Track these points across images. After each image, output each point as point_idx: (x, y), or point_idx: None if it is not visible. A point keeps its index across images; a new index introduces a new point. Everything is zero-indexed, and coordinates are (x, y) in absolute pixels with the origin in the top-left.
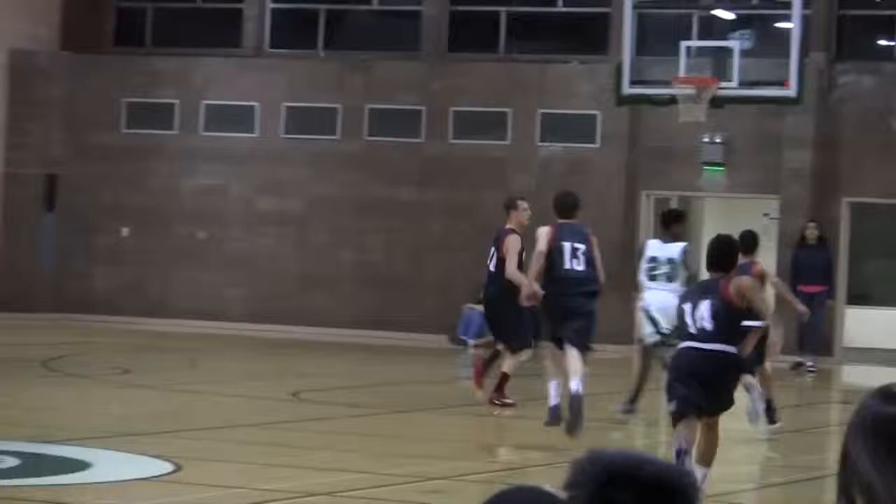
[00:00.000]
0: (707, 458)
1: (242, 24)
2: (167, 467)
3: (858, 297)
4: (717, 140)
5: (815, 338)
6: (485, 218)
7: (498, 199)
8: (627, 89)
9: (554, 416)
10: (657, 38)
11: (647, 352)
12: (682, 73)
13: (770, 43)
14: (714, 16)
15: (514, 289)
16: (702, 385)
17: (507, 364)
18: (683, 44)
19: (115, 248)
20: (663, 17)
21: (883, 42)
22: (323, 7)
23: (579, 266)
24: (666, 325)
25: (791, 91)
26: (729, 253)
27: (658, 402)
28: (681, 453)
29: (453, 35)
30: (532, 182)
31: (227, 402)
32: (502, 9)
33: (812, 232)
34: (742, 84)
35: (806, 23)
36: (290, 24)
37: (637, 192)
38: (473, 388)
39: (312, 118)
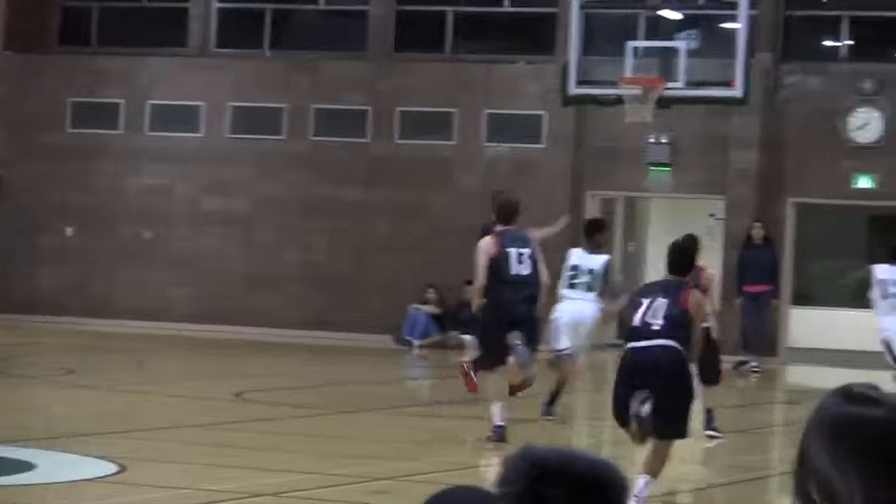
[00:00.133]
0: (654, 469)
1: (188, 23)
2: (112, 468)
3: (802, 298)
4: (663, 140)
5: (760, 338)
6: (431, 218)
7: (444, 199)
8: (574, 89)
9: (499, 436)
10: (604, 39)
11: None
12: (628, 73)
13: (716, 43)
14: (660, 16)
15: None
16: (654, 384)
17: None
18: (630, 44)
19: (59, 248)
20: (610, 18)
21: (828, 42)
22: (269, 6)
23: (525, 271)
24: (569, 342)
25: (737, 91)
26: (689, 257)
27: (593, 402)
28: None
29: (400, 35)
30: (478, 182)
31: (172, 402)
32: (449, 9)
33: (758, 232)
34: (688, 84)
35: (752, 23)
36: (236, 24)
37: (583, 193)
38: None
39: (258, 118)
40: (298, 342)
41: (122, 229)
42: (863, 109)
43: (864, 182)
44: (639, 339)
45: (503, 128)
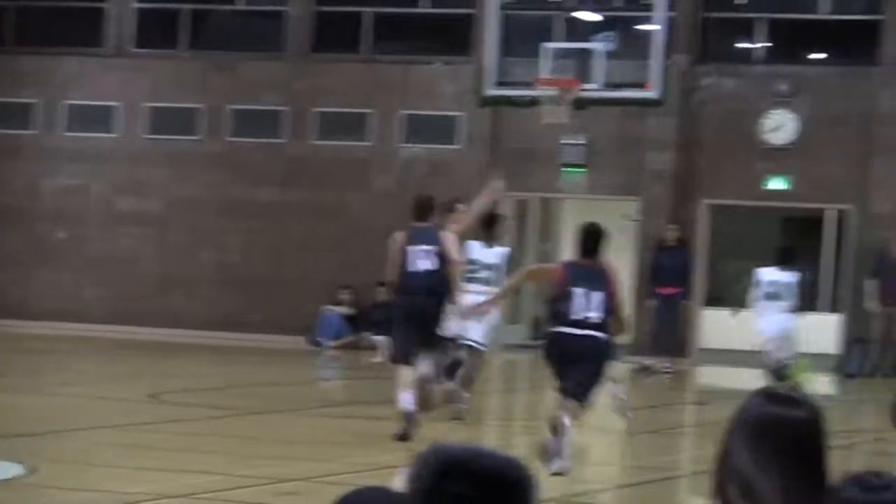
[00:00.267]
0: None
1: (105, 23)
2: (22, 470)
3: (716, 299)
4: (579, 142)
5: (671, 339)
6: (348, 219)
7: (360, 200)
8: (490, 90)
9: (408, 422)
10: (521, 40)
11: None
12: (544, 74)
13: (633, 45)
14: (577, 18)
15: None
16: (582, 369)
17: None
18: (546, 45)
19: None
20: (527, 19)
21: (744, 45)
22: (186, 7)
23: (426, 266)
24: (474, 335)
25: (653, 93)
26: (602, 238)
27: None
28: (559, 429)
29: (317, 35)
30: (394, 183)
31: (86, 403)
32: (366, 9)
33: (672, 234)
34: (604, 86)
35: (669, 25)
36: (154, 24)
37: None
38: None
39: (174, 118)
40: (213, 343)
41: (37, 230)
42: (777, 111)
43: (777, 183)
44: (575, 327)
45: (419, 129)
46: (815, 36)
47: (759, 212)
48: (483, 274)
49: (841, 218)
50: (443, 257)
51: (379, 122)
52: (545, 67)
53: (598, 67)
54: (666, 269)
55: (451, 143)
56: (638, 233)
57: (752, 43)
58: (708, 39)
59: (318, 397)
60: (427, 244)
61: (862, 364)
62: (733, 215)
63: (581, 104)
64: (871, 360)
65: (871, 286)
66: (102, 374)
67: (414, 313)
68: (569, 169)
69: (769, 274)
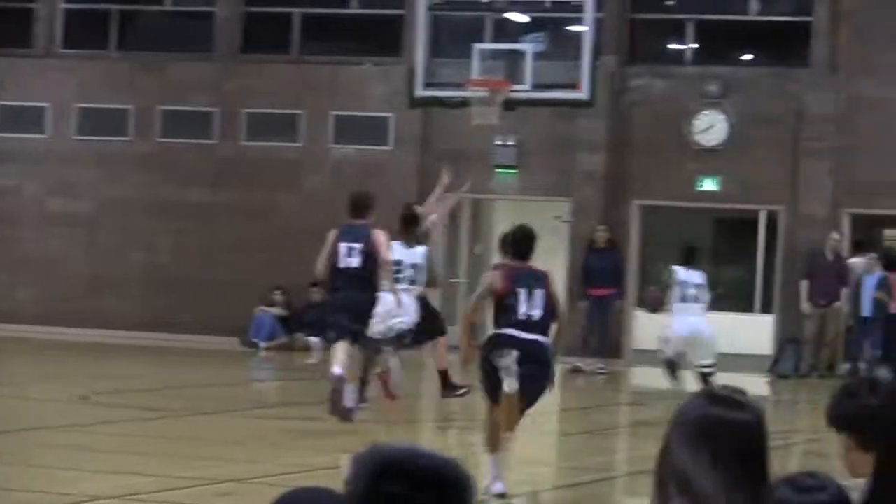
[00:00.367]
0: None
1: (34, 23)
2: None
3: None
4: (510, 143)
5: (604, 340)
6: (278, 220)
7: (291, 200)
8: (420, 91)
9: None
10: (451, 41)
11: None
12: (475, 75)
13: (562, 46)
14: (507, 19)
15: None
16: (530, 371)
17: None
18: (476, 46)
19: None
20: (457, 20)
21: (674, 46)
22: (115, 7)
23: (353, 264)
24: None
25: (583, 94)
26: (533, 240)
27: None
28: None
29: (246, 36)
30: (325, 184)
31: (17, 404)
32: (295, 10)
33: (601, 236)
34: (535, 87)
35: (598, 26)
36: (83, 25)
37: (429, 195)
38: (385, 404)
39: (104, 119)
40: (144, 344)
41: None
42: (707, 112)
43: (708, 184)
44: (521, 329)
45: (349, 129)
46: (745, 37)
47: (690, 213)
48: (407, 273)
49: (772, 219)
50: (370, 255)
51: (309, 122)
52: (475, 68)
53: (528, 68)
54: (597, 270)
55: (382, 144)
56: (569, 234)
57: (682, 44)
58: (637, 40)
59: (253, 398)
60: (355, 241)
61: (796, 365)
62: (665, 216)
63: (511, 105)
64: (805, 361)
65: (804, 287)
66: (33, 375)
67: (346, 306)
68: (501, 170)
69: (683, 274)
